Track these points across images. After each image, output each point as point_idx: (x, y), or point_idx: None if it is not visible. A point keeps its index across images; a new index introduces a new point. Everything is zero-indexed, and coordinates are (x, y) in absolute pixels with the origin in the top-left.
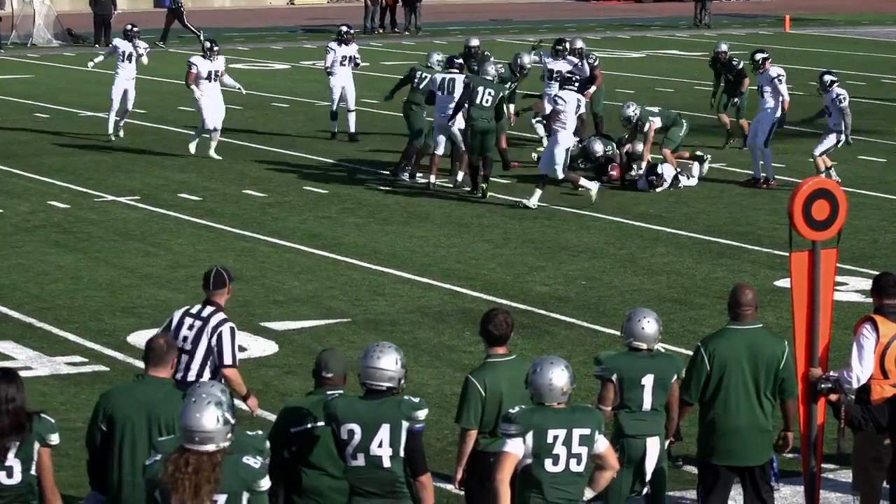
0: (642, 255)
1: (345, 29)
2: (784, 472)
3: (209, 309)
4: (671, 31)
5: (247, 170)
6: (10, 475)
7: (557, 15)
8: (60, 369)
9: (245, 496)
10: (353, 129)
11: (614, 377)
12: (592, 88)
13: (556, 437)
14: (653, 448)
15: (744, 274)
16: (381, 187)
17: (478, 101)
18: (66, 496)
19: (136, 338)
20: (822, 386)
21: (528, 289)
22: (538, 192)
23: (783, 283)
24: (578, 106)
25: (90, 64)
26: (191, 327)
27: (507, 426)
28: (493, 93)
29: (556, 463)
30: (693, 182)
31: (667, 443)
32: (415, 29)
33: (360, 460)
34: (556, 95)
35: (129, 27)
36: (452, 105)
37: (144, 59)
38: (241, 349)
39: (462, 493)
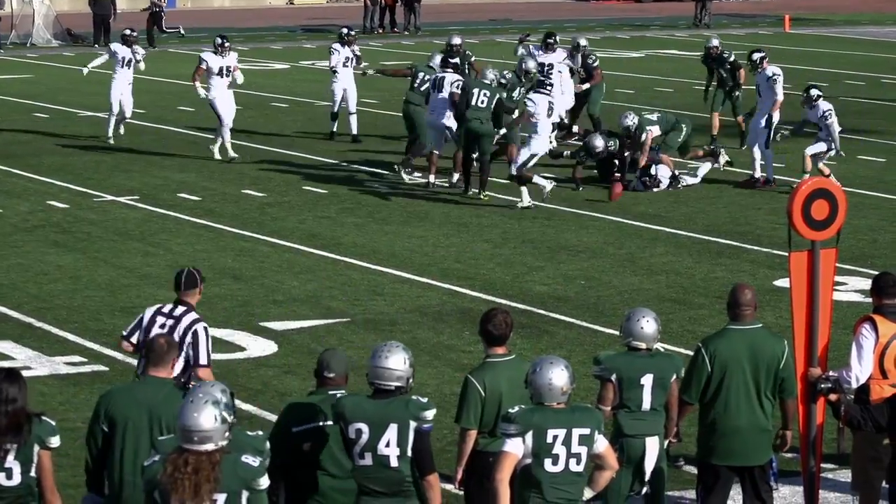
0: (641, 255)
1: (345, 31)
2: (783, 472)
3: (181, 308)
4: (671, 31)
5: (246, 170)
6: (9, 477)
7: (557, 15)
8: (60, 369)
9: (244, 495)
10: (354, 132)
11: (613, 377)
12: (586, 85)
13: (555, 437)
14: (652, 448)
15: (743, 274)
16: (381, 187)
17: (473, 103)
18: (64, 496)
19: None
20: (822, 386)
21: (528, 288)
22: (524, 190)
23: (782, 282)
24: (550, 109)
25: (85, 70)
26: (163, 326)
27: (506, 426)
28: (488, 94)
29: (555, 463)
30: (696, 180)
31: (666, 443)
32: (414, 29)
33: (368, 459)
34: (527, 97)
35: (128, 32)
36: (442, 103)
37: (142, 66)
38: (240, 349)
39: (461, 492)
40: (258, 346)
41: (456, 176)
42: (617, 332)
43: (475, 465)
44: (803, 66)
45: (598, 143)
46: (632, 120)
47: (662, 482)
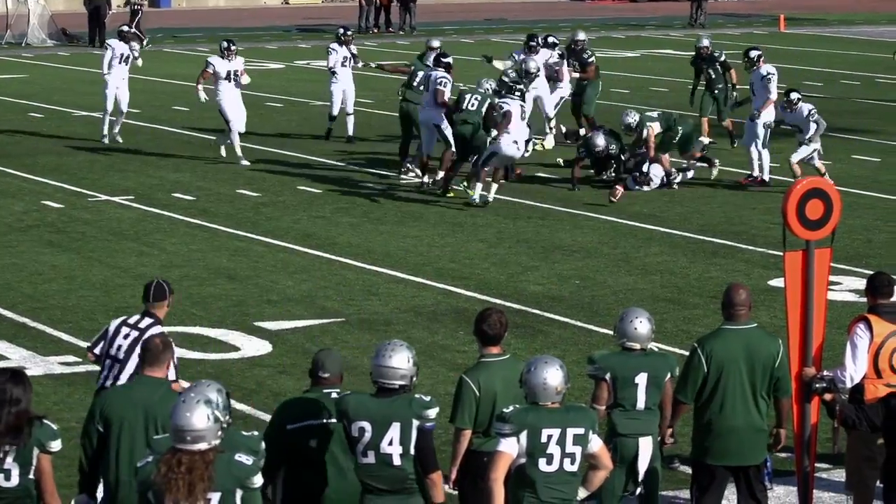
0: (636, 255)
1: (342, 30)
2: (777, 472)
3: (147, 321)
4: (666, 31)
5: (241, 169)
6: (7, 478)
7: (552, 14)
8: (54, 369)
9: (238, 494)
10: (350, 132)
11: (608, 376)
12: (576, 74)
13: (550, 437)
14: (645, 447)
15: (738, 273)
16: (376, 187)
17: (463, 106)
18: (59, 496)
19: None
20: (818, 385)
21: (522, 288)
22: (494, 186)
23: (777, 282)
24: (523, 113)
25: (106, 72)
26: (126, 336)
27: (501, 425)
28: (479, 98)
29: (549, 462)
30: (690, 174)
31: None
32: (409, 29)
33: (371, 457)
34: (499, 101)
35: (124, 29)
36: (430, 100)
37: (139, 62)
38: (235, 348)
39: (455, 492)
40: (252, 346)
41: (440, 174)
42: (611, 332)
43: (469, 464)
44: (798, 66)
45: (600, 141)
46: (633, 118)
47: (656, 482)
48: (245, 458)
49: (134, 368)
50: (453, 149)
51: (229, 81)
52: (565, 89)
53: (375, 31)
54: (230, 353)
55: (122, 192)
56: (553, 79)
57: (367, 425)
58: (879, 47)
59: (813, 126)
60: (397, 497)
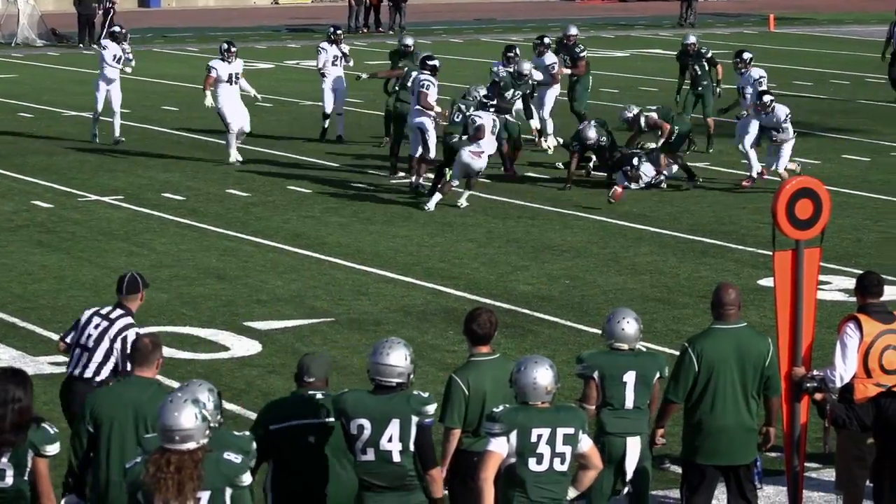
0: (626, 255)
1: (332, 29)
2: (767, 472)
3: (118, 312)
4: (655, 31)
5: (230, 169)
6: (2, 478)
7: (541, 14)
8: (44, 369)
9: (228, 492)
10: (339, 132)
11: (596, 374)
12: (568, 70)
13: (539, 437)
14: (633, 447)
15: (727, 273)
16: (365, 187)
17: (451, 119)
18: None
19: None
20: (808, 385)
21: (512, 288)
22: (466, 193)
23: (767, 282)
24: (494, 126)
25: (126, 69)
26: (97, 326)
27: (491, 425)
28: (462, 108)
29: (539, 462)
30: (674, 168)
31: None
32: (399, 28)
33: (370, 455)
34: (472, 115)
35: (117, 29)
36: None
37: (133, 63)
38: (224, 348)
39: (445, 492)
40: (242, 346)
41: (415, 177)
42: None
43: (459, 464)
44: (788, 66)
45: (591, 133)
46: (631, 112)
47: (646, 482)
48: (234, 457)
49: (101, 358)
50: (432, 155)
51: (230, 84)
52: (557, 88)
53: (365, 30)
54: (220, 353)
55: (111, 192)
56: (548, 83)
57: (366, 422)
58: (869, 47)
59: (789, 129)
60: (397, 494)
